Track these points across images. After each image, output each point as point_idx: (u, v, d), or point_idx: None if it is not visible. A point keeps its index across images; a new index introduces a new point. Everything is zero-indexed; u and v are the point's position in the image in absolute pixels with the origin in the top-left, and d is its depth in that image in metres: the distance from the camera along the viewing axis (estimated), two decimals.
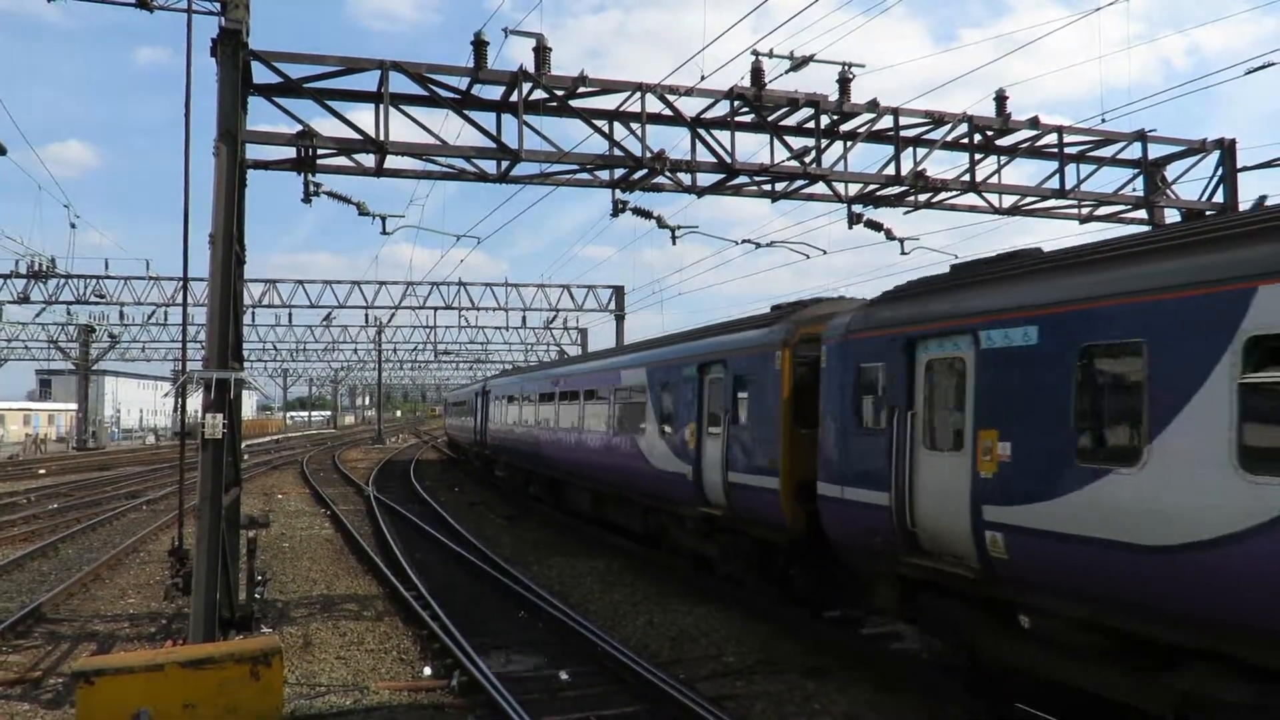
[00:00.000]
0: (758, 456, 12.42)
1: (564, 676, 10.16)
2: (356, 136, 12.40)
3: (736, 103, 13.84)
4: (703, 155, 14.00)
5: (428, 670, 10.54)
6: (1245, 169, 16.79)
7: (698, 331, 16.36)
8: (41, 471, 42.12)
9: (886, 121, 14.74)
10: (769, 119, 14.22)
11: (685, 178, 14.32)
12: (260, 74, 11.99)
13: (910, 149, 15.20)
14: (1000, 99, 15.27)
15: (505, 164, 13.23)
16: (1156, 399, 6.49)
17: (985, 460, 7.99)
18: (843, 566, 10.81)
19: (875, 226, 16.50)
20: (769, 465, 12.05)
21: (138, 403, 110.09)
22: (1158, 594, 6.50)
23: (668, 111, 13.77)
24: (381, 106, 12.39)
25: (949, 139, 15.19)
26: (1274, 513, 5.68)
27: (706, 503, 13.93)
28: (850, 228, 16.18)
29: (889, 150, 14.94)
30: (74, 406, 69.12)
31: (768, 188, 15.14)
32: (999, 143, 15.66)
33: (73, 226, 32.24)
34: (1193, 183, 17.01)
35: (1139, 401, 6.63)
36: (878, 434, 9.61)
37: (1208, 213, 16.76)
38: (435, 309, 49.28)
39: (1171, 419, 6.38)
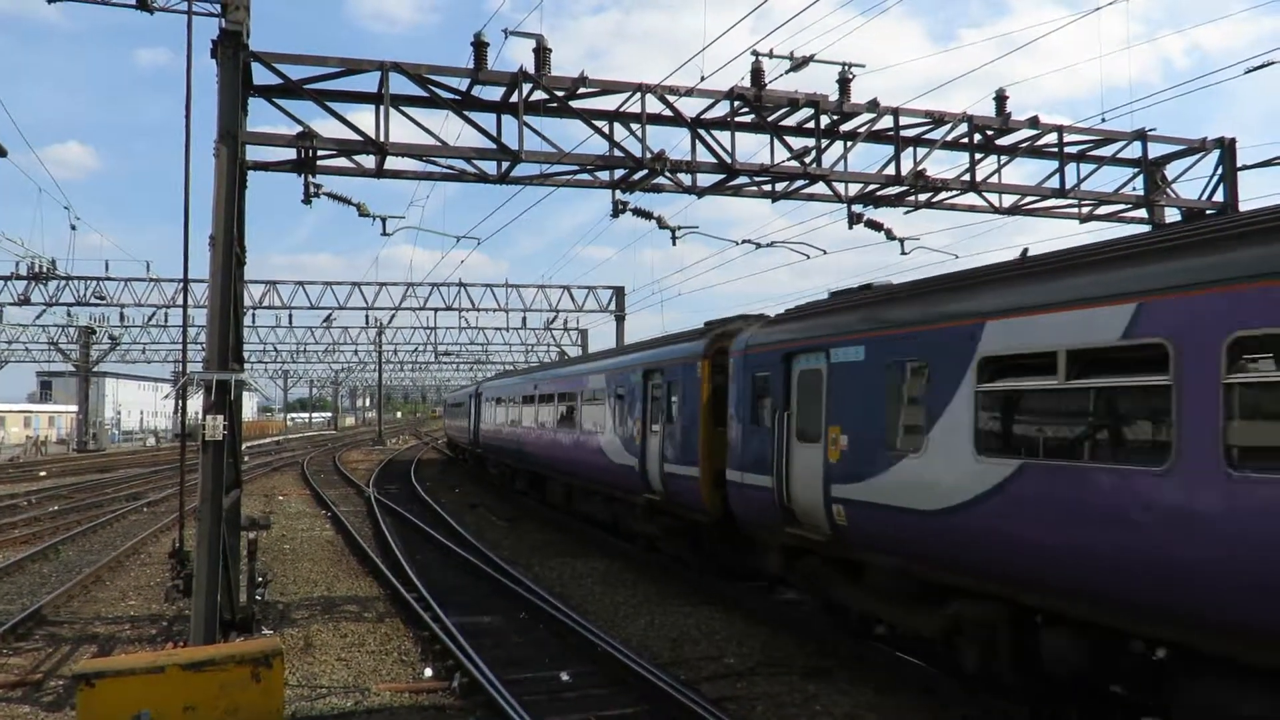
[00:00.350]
0: (685, 450, 14.55)
1: (565, 677, 10.15)
2: (357, 138, 12.40)
3: (736, 103, 13.84)
4: (703, 156, 14.00)
5: (429, 672, 10.54)
6: (1245, 168, 16.78)
7: (647, 343, 18.68)
8: (42, 473, 42.13)
9: (886, 121, 14.74)
10: (769, 119, 14.22)
11: (685, 178, 14.32)
12: (260, 75, 11.99)
13: (910, 149, 15.20)
14: (1000, 99, 15.27)
15: (505, 165, 13.23)
16: (932, 401, 8.66)
17: (833, 449, 10.28)
18: (747, 539, 13.06)
19: (875, 226, 16.50)
20: (693, 457, 14.17)
21: (138, 404, 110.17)
22: (933, 546, 8.68)
23: (668, 112, 13.77)
24: (382, 108, 12.39)
25: (949, 139, 15.19)
26: (994, 482, 7.85)
27: (650, 490, 16.00)
28: (850, 228, 16.19)
29: (889, 150, 14.94)
30: (74, 408, 69.17)
31: (768, 188, 15.14)
32: (999, 142, 15.66)
33: (73, 228, 32.12)
34: (1193, 182, 17.01)
35: (922, 403, 8.85)
36: (765, 430, 11.90)
37: (1208, 212, 16.75)
38: (436, 310, 49.23)
39: (940, 416, 8.53)
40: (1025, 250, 9.22)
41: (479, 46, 12.66)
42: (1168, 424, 6.45)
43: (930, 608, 9.08)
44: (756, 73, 13.64)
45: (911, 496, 8.89)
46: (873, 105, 14.40)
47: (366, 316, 53.76)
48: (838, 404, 10.33)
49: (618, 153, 13.55)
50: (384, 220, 14.97)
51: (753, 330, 12.95)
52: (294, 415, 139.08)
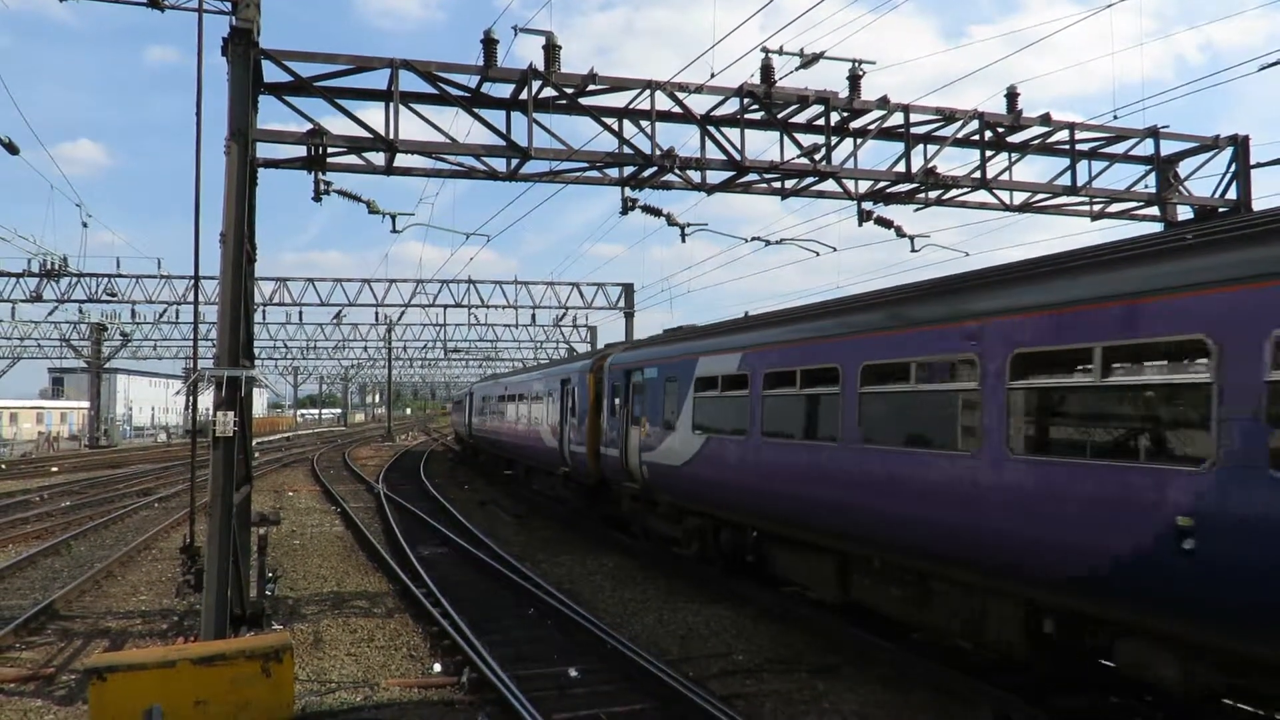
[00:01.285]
0: (580, 435, 21.06)
1: (573, 674, 10.17)
2: (366, 135, 12.42)
3: (746, 100, 13.81)
4: (712, 153, 13.98)
5: (438, 667, 10.57)
6: (1258, 165, 16.68)
7: (571, 358, 26.83)
8: (54, 469, 42.39)
9: (897, 118, 14.69)
10: (779, 116, 14.19)
11: (695, 175, 14.30)
12: (270, 73, 12.02)
13: (921, 146, 15.14)
14: (1011, 95, 15.20)
15: (515, 162, 13.23)
16: (678, 402, 15.05)
17: (643, 431, 16.77)
18: (613, 494, 19.38)
19: (885, 224, 16.45)
20: (585, 440, 20.55)
21: (149, 401, 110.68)
22: (679, 486, 15.24)
23: (677, 109, 13.75)
24: (391, 105, 12.41)
25: (960, 136, 15.12)
26: (698, 447, 14.15)
27: (565, 464, 22.60)
28: (860, 225, 16.14)
29: (899, 147, 14.89)
30: (86, 405, 69.51)
31: (777, 185, 15.11)
32: (1010, 139, 15.59)
33: (84, 225, 32.41)
34: (1206, 179, 16.91)
35: (676, 403, 15.14)
36: (616, 419, 18.52)
37: (1220, 209, 16.65)
38: (445, 307, 49.25)
39: (681, 410, 14.93)
40: (746, 312, 16.21)
41: (488, 43, 12.66)
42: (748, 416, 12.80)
43: (680, 523, 15.95)
44: (766, 69, 13.61)
45: (671, 457, 15.39)
46: (883, 102, 14.35)
47: (376, 313, 53.87)
48: (644, 403, 16.96)
49: (627, 150, 13.54)
50: (394, 217, 15.00)
51: (614, 354, 19.58)
52: (304, 412, 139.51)
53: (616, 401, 18.49)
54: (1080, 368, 7.69)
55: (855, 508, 10.25)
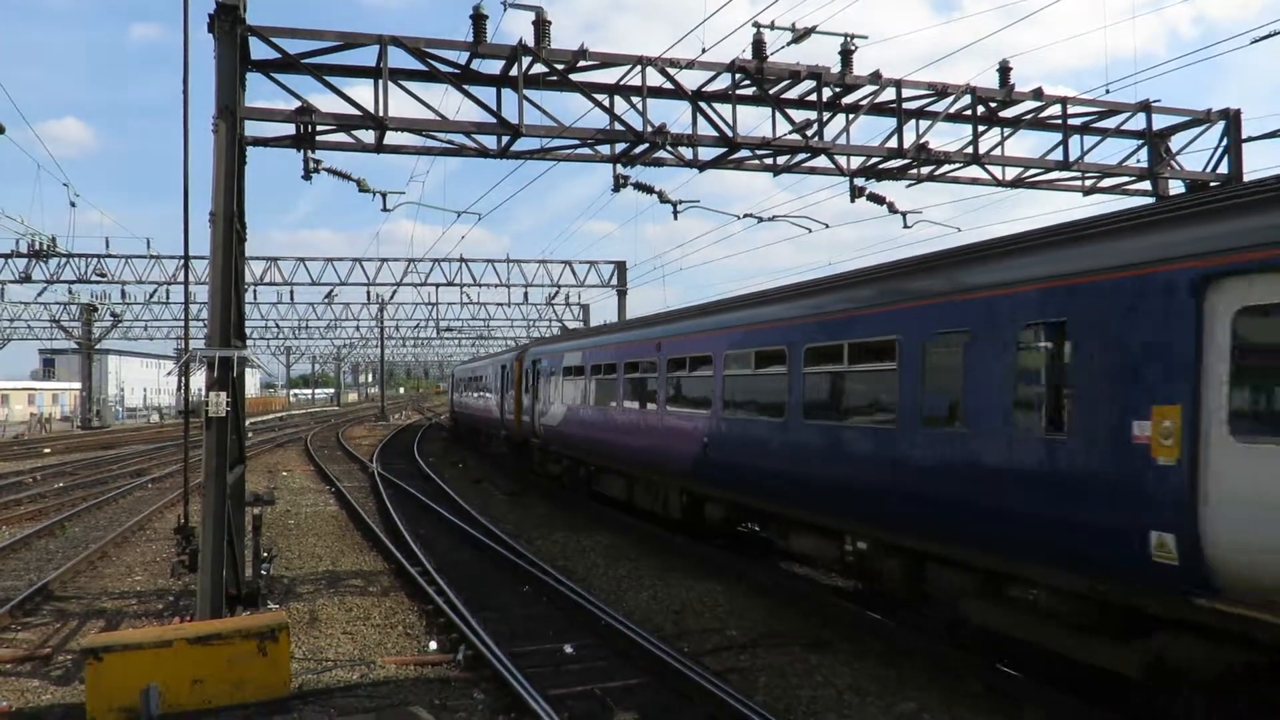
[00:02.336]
0: (510, 406, 28.35)
1: (569, 650, 10.24)
2: (356, 112, 12.32)
3: (738, 76, 13.73)
4: (704, 129, 13.92)
5: (434, 645, 10.62)
6: (1250, 139, 16.67)
7: (512, 349, 32.92)
8: (47, 451, 42.30)
9: (889, 94, 14.63)
10: (770, 92, 14.12)
11: (687, 152, 14.24)
12: (258, 50, 11.90)
13: (913, 121, 15.09)
14: (1004, 70, 15.14)
15: (506, 139, 13.16)
16: (557, 382, 22.81)
17: (540, 406, 24.29)
18: (527, 448, 26.56)
19: (878, 200, 16.41)
20: (512, 409, 27.93)
21: (141, 381, 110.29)
22: (558, 440, 22.88)
23: (669, 85, 13.67)
24: (380, 82, 12.31)
25: (952, 111, 15.08)
26: (564, 414, 22.23)
27: (504, 427, 29.90)
28: (853, 201, 16.10)
29: (891, 123, 14.84)
30: (78, 386, 69.29)
31: (769, 161, 15.05)
32: (1002, 114, 15.54)
33: (73, 205, 31.96)
34: (1198, 153, 16.91)
35: (556, 384, 22.87)
36: (529, 395, 25.45)
37: (1212, 183, 16.66)
38: (437, 285, 49.14)
39: (558, 388, 22.80)
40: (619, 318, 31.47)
41: (478, 19, 12.54)
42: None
43: (562, 465, 23.02)
44: (758, 45, 13.52)
45: (554, 421, 22.75)
46: (875, 77, 14.28)
47: (368, 292, 53.75)
48: (540, 386, 24.26)
49: (618, 126, 13.46)
50: (384, 196, 14.92)
51: (530, 349, 26.96)
52: (297, 391, 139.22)
53: (530, 381, 25.69)
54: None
55: (632, 449, 17.46)
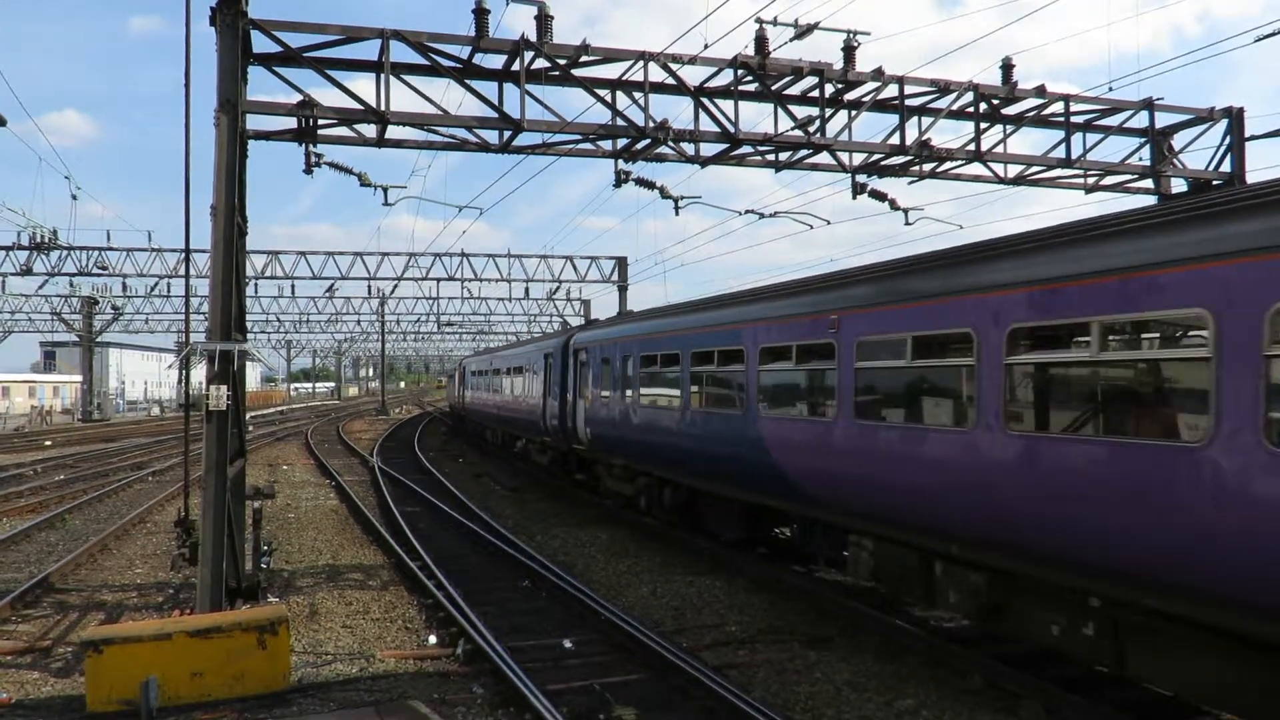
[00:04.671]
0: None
1: (568, 645, 10.25)
2: (357, 107, 12.31)
3: (740, 71, 13.71)
4: (706, 125, 13.90)
5: (433, 639, 10.63)
6: (1253, 138, 16.64)
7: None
8: (47, 443, 42.34)
9: (891, 90, 14.60)
10: (773, 88, 14.10)
11: (688, 148, 14.23)
12: (260, 44, 11.89)
13: (915, 118, 15.07)
14: (1006, 67, 15.12)
15: (507, 134, 13.14)
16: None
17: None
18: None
19: (879, 197, 16.40)
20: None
21: (142, 374, 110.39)
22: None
23: (671, 81, 13.65)
24: (382, 76, 12.29)
25: (954, 108, 15.05)
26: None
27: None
28: (854, 198, 16.09)
29: (894, 120, 14.82)
30: (79, 378, 69.32)
31: (771, 158, 15.04)
32: (1005, 111, 15.52)
33: (74, 198, 31.93)
34: (1200, 152, 16.88)
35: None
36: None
37: (1215, 182, 16.63)
38: (438, 280, 49.05)
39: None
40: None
41: (480, 13, 12.52)
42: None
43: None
44: (760, 40, 13.50)
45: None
46: (877, 74, 14.26)
47: (369, 287, 53.59)
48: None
49: (620, 122, 13.45)
50: (385, 190, 14.91)
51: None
52: (297, 385, 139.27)
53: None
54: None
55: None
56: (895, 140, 14.78)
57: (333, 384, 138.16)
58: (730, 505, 13.92)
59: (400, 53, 12.38)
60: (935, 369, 9.08)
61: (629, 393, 17.09)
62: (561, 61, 12.97)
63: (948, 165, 15.65)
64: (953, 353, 8.72)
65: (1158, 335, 7.18)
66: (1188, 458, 6.30)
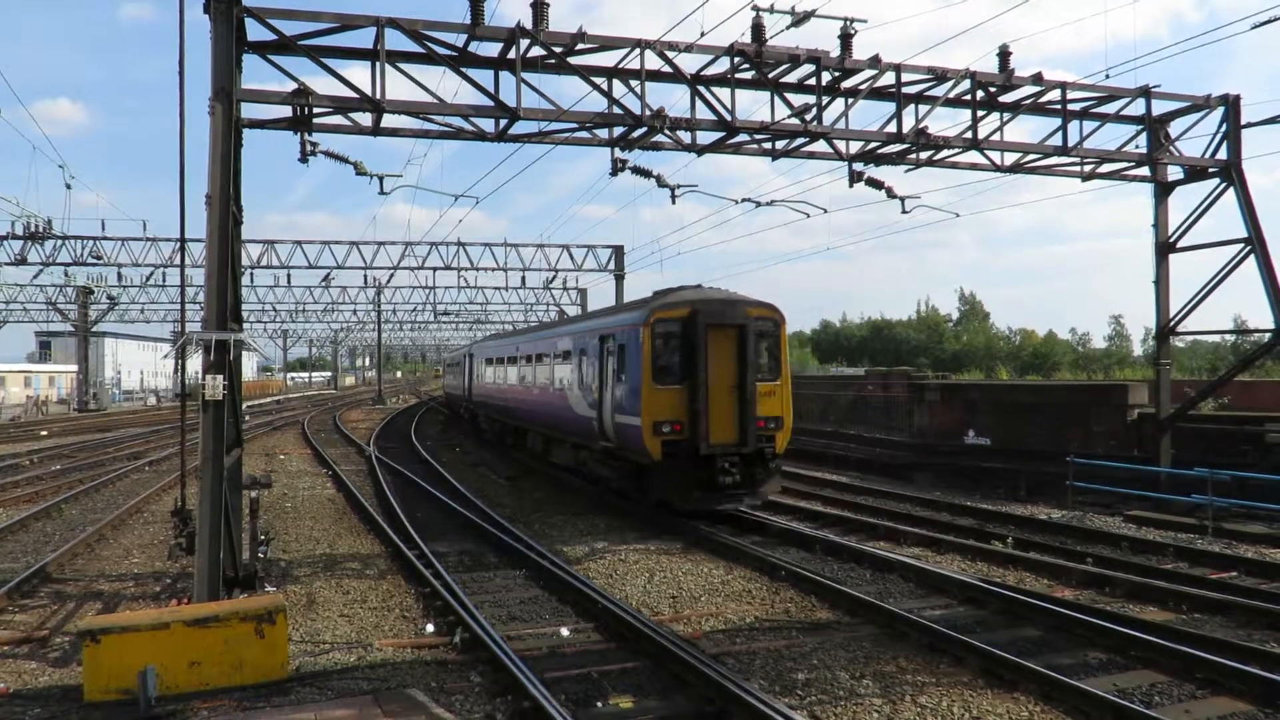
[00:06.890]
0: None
1: (565, 633, 10.27)
2: (353, 95, 12.27)
3: (737, 59, 13.68)
4: (702, 113, 13.88)
5: (430, 628, 10.65)
6: (1249, 125, 16.65)
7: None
8: (43, 433, 42.27)
9: (888, 78, 14.58)
10: (769, 76, 14.07)
11: (685, 136, 14.20)
12: (254, 31, 11.83)
13: (912, 106, 15.06)
14: (1003, 55, 15.10)
15: (503, 122, 13.11)
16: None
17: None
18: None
19: (876, 185, 16.40)
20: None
21: (138, 364, 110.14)
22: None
23: (667, 68, 13.62)
24: (378, 64, 12.25)
25: (951, 95, 15.04)
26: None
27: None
28: (851, 186, 16.10)
29: (890, 108, 14.80)
30: (74, 368, 69.18)
31: (768, 146, 15.02)
32: (1002, 99, 15.51)
33: (68, 187, 31.95)
34: (1197, 139, 16.88)
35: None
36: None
37: (1210, 169, 16.62)
38: (434, 269, 49.04)
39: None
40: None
41: (475, 1, 12.48)
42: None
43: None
44: (757, 28, 13.47)
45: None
46: (874, 62, 14.23)
47: (365, 276, 53.70)
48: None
49: (617, 110, 13.42)
50: (381, 179, 14.87)
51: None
52: (294, 375, 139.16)
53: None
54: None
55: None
56: (892, 128, 14.77)
57: (329, 373, 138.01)
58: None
59: (395, 40, 12.36)
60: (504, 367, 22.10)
61: None
62: (557, 49, 12.93)
63: (945, 153, 15.64)
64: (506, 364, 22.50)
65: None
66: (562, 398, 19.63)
